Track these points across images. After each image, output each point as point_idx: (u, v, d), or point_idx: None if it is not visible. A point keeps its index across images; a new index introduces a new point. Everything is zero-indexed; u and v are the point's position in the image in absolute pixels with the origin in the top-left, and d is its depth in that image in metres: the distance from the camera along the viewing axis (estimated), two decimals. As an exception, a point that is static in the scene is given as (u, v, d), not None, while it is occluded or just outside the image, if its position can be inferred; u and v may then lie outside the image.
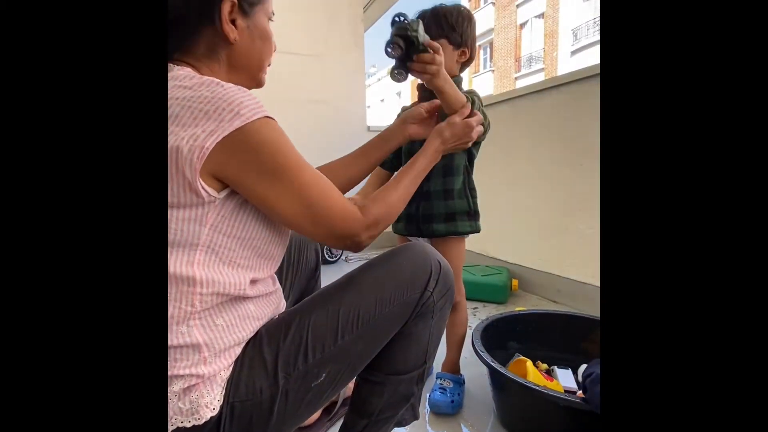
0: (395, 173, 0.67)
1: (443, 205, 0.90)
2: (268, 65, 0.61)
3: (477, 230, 0.94)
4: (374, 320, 0.55)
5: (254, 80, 0.59)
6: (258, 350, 0.51)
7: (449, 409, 0.91)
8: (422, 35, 0.64)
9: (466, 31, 0.88)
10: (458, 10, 0.88)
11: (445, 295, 0.60)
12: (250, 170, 0.45)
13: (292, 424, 0.54)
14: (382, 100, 22.06)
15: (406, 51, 0.64)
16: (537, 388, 0.72)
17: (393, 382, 0.60)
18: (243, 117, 0.43)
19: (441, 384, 0.94)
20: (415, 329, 0.59)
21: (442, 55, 0.67)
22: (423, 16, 0.85)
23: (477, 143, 0.91)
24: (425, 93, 0.95)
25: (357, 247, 0.54)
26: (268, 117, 0.46)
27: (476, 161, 0.96)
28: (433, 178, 0.90)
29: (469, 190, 0.93)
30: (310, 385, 0.52)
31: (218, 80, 0.46)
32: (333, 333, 0.53)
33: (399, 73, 0.67)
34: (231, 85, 0.45)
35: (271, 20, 0.59)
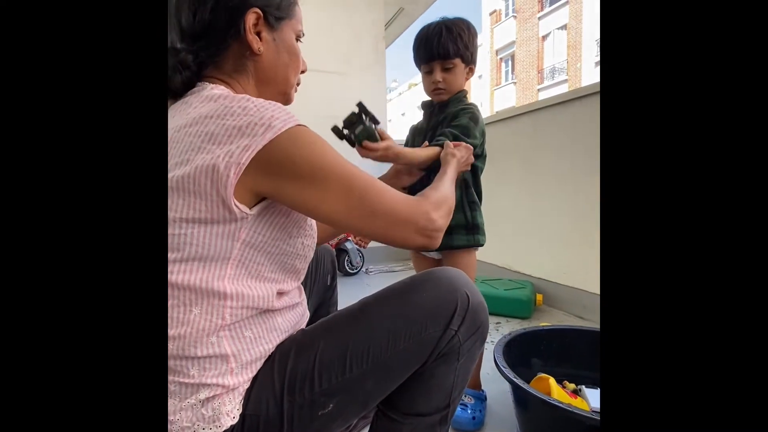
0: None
1: None
2: (298, 83, 0.62)
3: (476, 244, 0.90)
4: (386, 357, 0.50)
5: (283, 96, 0.60)
6: (270, 368, 0.51)
7: (470, 426, 0.89)
8: (370, 131, 0.71)
9: (475, 49, 0.91)
10: (467, 27, 0.89)
11: (474, 334, 0.54)
12: (289, 179, 0.45)
13: None
14: (403, 114, 22.29)
15: (348, 137, 0.72)
16: (563, 406, 0.70)
17: (412, 422, 0.56)
18: (275, 129, 0.44)
19: (462, 399, 0.92)
20: (437, 371, 0.54)
21: (388, 144, 0.72)
22: (439, 30, 0.87)
23: (482, 157, 0.92)
24: (427, 110, 0.98)
25: (432, 229, 0.52)
26: (300, 125, 0.46)
27: (498, 174, 0.96)
28: None
29: (469, 203, 0.90)
30: (316, 414, 0.50)
31: (249, 96, 0.47)
32: (340, 365, 0.50)
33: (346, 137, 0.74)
34: (261, 100, 0.47)
35: (300, 40, 0.61)
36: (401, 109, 23.13)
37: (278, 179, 0.45)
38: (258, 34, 0.54)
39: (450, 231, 0.89)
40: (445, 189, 0.63)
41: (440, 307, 0.52)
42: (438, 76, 0.88)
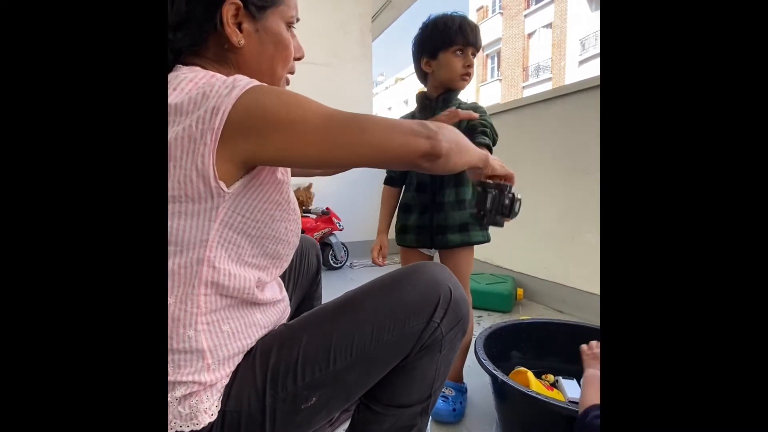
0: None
1: (457, 216, 0.91)
2: (290, 73, 0.59)
3: (488, 240, 0.94)
4: (370, 349, 0.51)
5: None
6: (251, 363, 0.50)
7: (451, 418, 0.91)
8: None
9: None
10: None
11: (455, 326, 0.55)
12: (267, 129, 0.43)
13: None
14: (390, 108, 22.19)
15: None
16: (540, 397, 0.72)
17: (394, 414, 0.56)
18: (239, 87, 0.42)
19: (443, 392, 0.94)
20: (420, 363, 0.54)
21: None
22: (476, 25, 0.89)
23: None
24: (426, 102, 0.96)
25: (430, 129, 0.48)
26: (263, 84, 0.45)
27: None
28: (446, 189, 0.92)
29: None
30: (299, 408, 0.50)
31: (216, 73, 0.45)
32: (325, 358, 0.50)
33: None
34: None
35: (293, 25, 0.57)
36: (388, 103, 23.03)
37: (257, 134, 0.43)
38: (239, 24, 0.51)
39: (467, 228, 0.91)
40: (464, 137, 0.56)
41: (424, 301, 0.53)
42: (472, 61, 0.90)
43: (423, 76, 0.95)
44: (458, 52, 0.88)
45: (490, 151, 0.83)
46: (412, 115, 0.98)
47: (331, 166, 0.47)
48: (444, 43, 0.88)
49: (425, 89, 0.97)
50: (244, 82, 0.43)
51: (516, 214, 0.65)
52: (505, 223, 0.66)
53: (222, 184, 0.43)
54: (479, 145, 0.80)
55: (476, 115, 0.80)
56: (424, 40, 0.91)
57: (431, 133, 0.48)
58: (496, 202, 0.64)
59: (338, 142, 0.45)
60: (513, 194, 0.64)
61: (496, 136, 0.88)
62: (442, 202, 0.91)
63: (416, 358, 0.54)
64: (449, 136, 0.51)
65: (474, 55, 0.89)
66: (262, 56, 0.54)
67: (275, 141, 0.43)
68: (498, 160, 0.68)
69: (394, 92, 22.39)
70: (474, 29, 0.89)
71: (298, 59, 0.60)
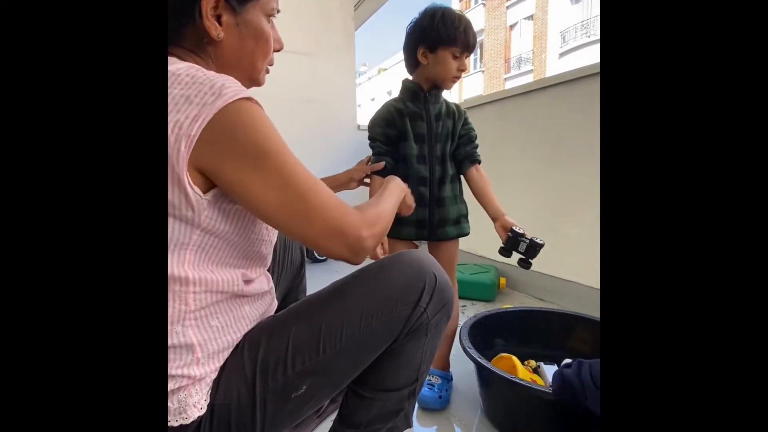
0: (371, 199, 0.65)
1: (455, 210, 0.96)
2: (270, 64, 0.58)
3: (469, 231, 0.99)
4: (358, 336, 0.51)
5: (249, 81, 0.56)
6: (239, 356, 0.51)
7: (437, 405, 0.92)
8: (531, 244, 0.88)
9: None
10: None
11: (441, 310, 0.56)
12: (228, 154, 0.42)
13: None
14: (373, 99, 22.02)
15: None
16: (523, 383, 0.74)
17: (382, 398, 0.58)
18: (225, 97, 0.41)
19: (429, 380, 0.95)
20: (407, 347, 0.56)
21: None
22: (470, 30, 0.90)
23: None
24: (417, 92, 0.93)
25: (360, 248, 0.48)
26: (251, 99, 0.44)
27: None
28: (447, 185, 0.95)
29: (462, 194, 0.99)
30: (289, 397, 0.51)
31: (199, 66, 0.44)
32: (314, 346, 0.50)
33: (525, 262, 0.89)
34: (212, 72, 0.44)
35: (274, 17, 0.56)
36: (371, 93, 22.83)
37: (219, 153, 0.42)
38: (219, 17, 0.50)
39: (458, 221, 0.96)
40: (387, 207, 0.59)
41: (410, 286, 0.54)
42: (466, 66, 0.91)
43: (415, 64, 0.92)
44: (455, 56, 0.89)
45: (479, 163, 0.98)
46: (402, 102, 0.95)
47: (258, 217, 0.47)
48: (447, 41, 0.87)
49: (411, 77, 0.95)
50: (230, 93, 0.41)
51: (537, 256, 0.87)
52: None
53: (197, 190, 0.43)
54: (477, 162, 0.98)
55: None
56: (427, 29, 0.88)
57: (360, 250, 0.48)
58: (530, 252, 0.87)
59: (278, 209, 0.44)
60: (541, 245, 0.86)
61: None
62: (443, 197, 0.95)
63: (403, 343, 0.55)
64: (379, 232, 0.52)
65: (467, 58, 0.92)
66: (241, 50, 0.53)
67: (229, 169, 0.42)
68: (404, 199, 0.74)
69: (377, 83, 22.20)
70: (474, 35, 0.91)
71: (277, 51, 0.59)
